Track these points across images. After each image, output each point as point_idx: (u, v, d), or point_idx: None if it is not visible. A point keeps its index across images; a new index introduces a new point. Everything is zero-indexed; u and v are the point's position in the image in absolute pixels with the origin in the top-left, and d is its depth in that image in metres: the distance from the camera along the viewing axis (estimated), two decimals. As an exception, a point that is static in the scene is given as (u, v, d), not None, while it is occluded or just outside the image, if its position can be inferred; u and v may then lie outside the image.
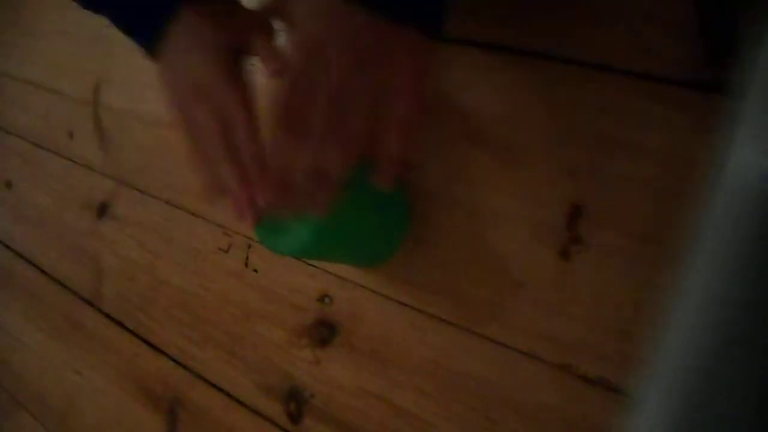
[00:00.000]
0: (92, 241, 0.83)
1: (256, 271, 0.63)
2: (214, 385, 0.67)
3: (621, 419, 0.23)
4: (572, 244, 0.44)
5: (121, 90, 0.80)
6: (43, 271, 0.90)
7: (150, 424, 0.74)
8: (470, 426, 0.48)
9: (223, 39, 0.41)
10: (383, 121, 0.37)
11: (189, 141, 0.41)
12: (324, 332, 0.58)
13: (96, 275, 0.82)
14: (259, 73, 0.41)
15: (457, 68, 0.49)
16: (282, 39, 0.43)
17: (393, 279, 0.53)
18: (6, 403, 0.96)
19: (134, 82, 0.79)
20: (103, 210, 0.81)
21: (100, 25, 0.82)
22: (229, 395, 0.66)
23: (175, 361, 0.71)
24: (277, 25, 0.44)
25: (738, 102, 0.21)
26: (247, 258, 0.64)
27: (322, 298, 0.58)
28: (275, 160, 0.37)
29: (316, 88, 0.35)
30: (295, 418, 0.59)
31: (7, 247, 0.98)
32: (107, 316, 0.80)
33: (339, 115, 0.35)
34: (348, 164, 0.37)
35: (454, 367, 0.49)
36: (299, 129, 0.35)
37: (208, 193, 0.41)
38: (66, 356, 0.86)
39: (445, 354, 0.50)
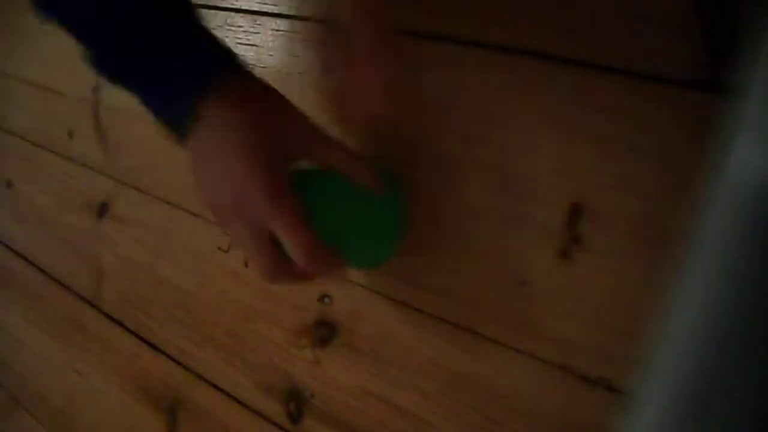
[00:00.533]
0: (92, 241, 0.83)
1: (256, 271, 0.63)
2: (214, 385, 0.67)
3: (621, 419, 0.23)
4: (572, 244, 0.44)
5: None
6: (43, 271, 0.90)
7: (150, 424, 0.74)
8: (470, 426, 0.48)
9: (265, 137, 0.33)
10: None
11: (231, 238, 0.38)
12: (324, 332, 0.58)
13: (96, 275, 0.82)
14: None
15: (456, 68, 0.49)
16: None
17: (393, 279, 0.53)
18: (6, 403, 0.96)
19: (134, 82, 0.79)
20: (103, 210, 0.81)
21: (100, 25, 0.82)
22: (229, 395, 0.66)
23: (175, 361, 0.71)
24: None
25: (738, 102, 0.20)
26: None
27: (322, 298, 0.58)
28: None
29: None
30: (295, 418, 0.60)
31: (7, 247, 0.98)
32: (107, 316, 0.80)
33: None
34: None
35: (454, 367, 0.49)
36: None
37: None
38: (66, 356, 0.86)
39: (445, 354, 0.50)
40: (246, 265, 0.64)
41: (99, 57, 0.34)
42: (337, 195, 0.45)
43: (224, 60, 0.33)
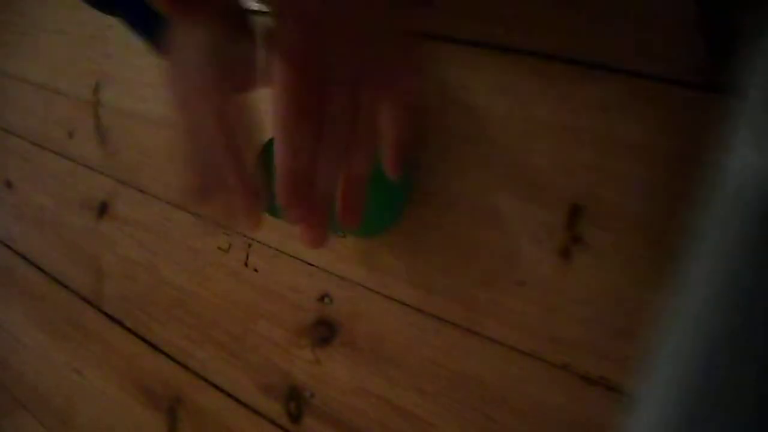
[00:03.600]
0: (92, 241, 0.83)
1: (256, 270, 0.63)
2: (214, 385, 0.67)
3: (621, 419, 0.23)
4: (572, 244, 0.44)
5: (121, 90, 0.81)
6: (43, 271, 0.90)
7: (150, 424, 0.74)
8: (470, 426, 0.48)
9: (222, 41, 0.38)
10: (385, 107, 0.33)
11: (186, 140, 0.40)
12: (324, 332, 0.58)
13: (96, 275, 0.82)
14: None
15: (457, 68, 0.49)
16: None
17: (393, 279, 0.53)
18: (6, 403, 0.96)
19: (134, 82, 0.79)
20: (103, 210, 0.81)
21: (100, 24, 0.82)
22: (229, 395, 0.66)
23: (175, 361, 0.71)
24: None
25: (738, 102, 0.21)
26: (247, 258, 0.64)
27: (322, 298, 0.58)
28: (287, 164, 0.30)
29: (324, 79, 0.29)
30: (295, 417, 0.60)
31: (7, 247, 0.97)
32: (107, 316, 0.80)
33: (354, 111, 0.30)
34: (371, 162, 0.32)
35: (454, 367, 0.49)
36: (312, 129, 0.30)
37: (191, 194, 0.38)
38: (66, 356, 0.86)
39: (445, 354, 0.50)
40: (246, 264, 0.64)
41: None
42: None
43: None
